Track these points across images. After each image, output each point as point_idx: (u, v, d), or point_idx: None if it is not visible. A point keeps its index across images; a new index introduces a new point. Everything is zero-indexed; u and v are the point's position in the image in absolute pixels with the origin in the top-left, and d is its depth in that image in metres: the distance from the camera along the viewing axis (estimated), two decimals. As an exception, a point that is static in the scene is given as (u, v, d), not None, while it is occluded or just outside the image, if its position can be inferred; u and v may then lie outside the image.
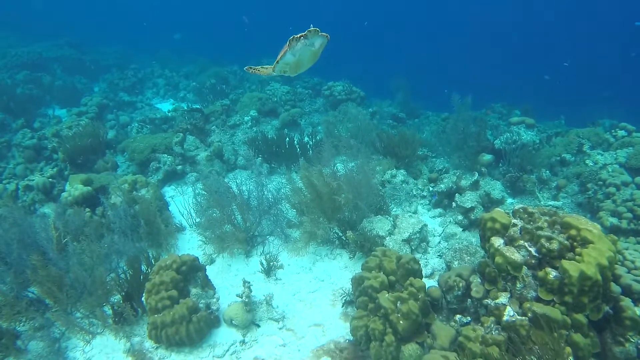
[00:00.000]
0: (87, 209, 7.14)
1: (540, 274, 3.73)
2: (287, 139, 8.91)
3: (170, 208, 7.80)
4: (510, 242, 4.07)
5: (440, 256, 6.00)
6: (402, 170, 7.73)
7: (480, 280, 4.23)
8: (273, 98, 12.20)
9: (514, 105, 13.36)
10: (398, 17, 44.62)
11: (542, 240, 3.82)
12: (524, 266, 3.86)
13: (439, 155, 9.26)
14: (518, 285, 3.84)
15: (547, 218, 4.06)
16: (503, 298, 3.87)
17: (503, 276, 3.99)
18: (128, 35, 29.42)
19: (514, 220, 4.23)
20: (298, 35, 4.08)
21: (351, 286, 4.96)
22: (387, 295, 4.31)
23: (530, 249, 3.89)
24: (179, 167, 8.88)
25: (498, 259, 3.96)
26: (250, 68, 4.79)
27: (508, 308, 3.77)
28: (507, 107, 13.53)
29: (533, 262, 3.85)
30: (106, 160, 9.10)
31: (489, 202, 6.77)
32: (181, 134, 9.23)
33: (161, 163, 8.87)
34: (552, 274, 3.63)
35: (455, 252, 5.39)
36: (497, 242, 4.08)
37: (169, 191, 8.68)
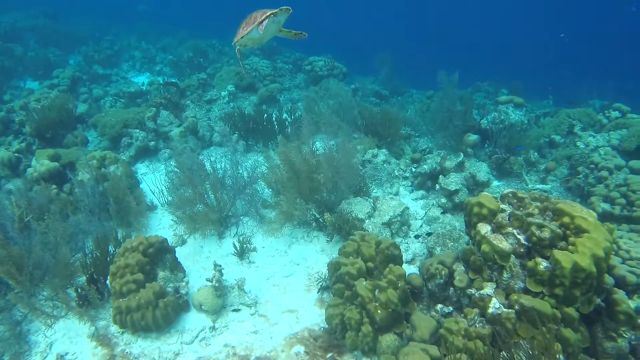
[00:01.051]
0: (54, 186, 6.75)
1: (530, 264, 3.48)
2: (265, 115, 8.55)
3: (142, 186, 7.45)
4: (498, 229, 3.82)
5: (422, 241, 5.76)
6: (383, 150, 7.44)
7: (464, 269, 3.99)
8: (252, 72, 11.75)
9: (502, 84, 13.11)
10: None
11: (533, 228, 3.57)
12: (512, 255, 3.62)
13: (422, 135, 9.00)
14: (505, 275, 3.60)
15: (538, 204, 3.81)
16: (488, 288, 3.63)
17: (489, 265, 3.76)
18: (107, 5, 28.42)
19: (502, 206, 3.98)
20: (268, 13, 4.16)
21: (327, 271, 4.71)
22: (364, 282, 4.07)
23: (519, 236, 3.64)
24: (152, 143, 8.47)
25: (484, 247, 3.72)
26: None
27: (494, 299, 3.54)
28: (494, 85, 13.31)
29: (522, 251, 3.61)
30: (75, 134, 8.64)
31: (474, 185, 6.53)
32: (154, 108, 8.79)
33: (133, 139, 8.45)
34: (543, 264, 3.39)
35: (437, 237, 5.14)
36: (484, 229, 3.83)
37: (142, 168, 8.29)
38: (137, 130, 8.53)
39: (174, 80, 11.33)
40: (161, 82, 11.85)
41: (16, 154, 7.90)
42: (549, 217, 3.69)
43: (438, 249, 5.04)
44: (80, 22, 21.37)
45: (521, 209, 3.83)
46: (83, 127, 9.92)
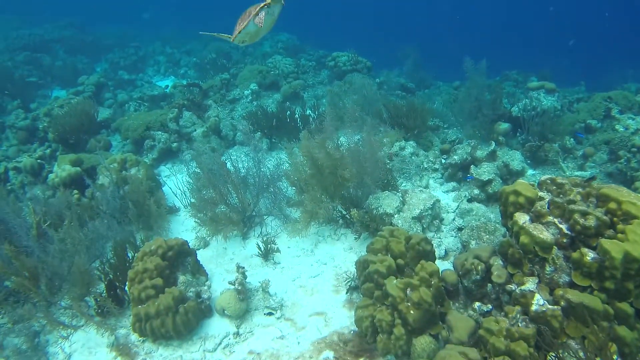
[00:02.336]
0: (75, 191, 6.69)
1: (575, 255, 3.14)
2: (289, 112, 8.33)
3: (164, 188, 7.32)
4: (537, 218, 3.49)
5: (455, 235, 5.43)
6: (411, 142, 7.11)
7: (502, 263, 3.67)
8: (275, 71, 11.57)
9: (531, 72, 12.59)
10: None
11: (576, 216, 3.23)
12: (555, 246, 3.28)
13: (451, 126, 8.63)
14: (547, 268, 3.27)
15: (580, 190, 3.46)
16: (530, 284, 3.30)
17: (529, 258, 3.43)
18: (131, 14, 28.83)
19: (540, 193, 3.65)
20: (261, 5, 4.21)
21: (356, 270, 4.45)
22: (395, 281, 3.79)
23: (561, 226, 3.31)
24: (175, 144, 8.35)
25: (523, 238, 3.39)
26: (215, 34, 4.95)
27: (537, 295, 3.20)
28: (522, 74, 12.79)
29: (565, 241, 3.26)
30: (98, 139, 8.61)
31: (508, 174, 6.15)
32: (176, 109, 8.68)
33: (156, 141, 8.35)
34: (590, 255, 3.05)
35: (472, 230, 4.80)
36: (522, 218, 3.50)
37: (165, 170, 8.18)
38: (160, 132, 8.43)
39: (196, 82, 11.24)
40: (184, 84, 11.80)
41: (39, 160, 7.90)
42: (592, 204, 3.34)
43: (473, 242, 4.70)
44: (107, 31, 21.73)
45: (561, 195, 3.49)
46: (107, 132, 9.93)
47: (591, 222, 3.15)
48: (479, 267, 3.76)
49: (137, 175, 6.56)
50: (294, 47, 15.90)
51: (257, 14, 4.27)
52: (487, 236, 4.63)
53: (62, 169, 6.86)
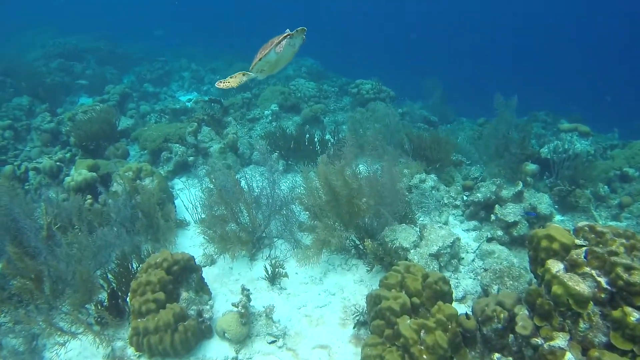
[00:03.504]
0: (89, 196, 6.58)
1: (616, 314, 2.82)
2: (308, 135, 8.18)
3: (177, 201, 7.17)
4: (572, 268, 3.20)
5: (474, 277, 5.13)
6: (432, 175, 6.87)
7: (528, 313, 3.36)
8: (297, 93, 11.50)
9: (560, 114, 12.33)
10: (433, 17, 43.66)
11: (618, 270, 2.92)
12: (591, 301, 2.97)
13: (474, 163, 8.37)
14: (581, 325, 2.96)
15: (623, 241, 3.15)
16: (560, 340, 2.98)
17: (561, 311, 3.11)
18: (177, 32, 29.49)
19: (577, 241, 3.35)
20: (284, 35, 4.34)
21: (366, 304, 4.17)
22: (408, 321, 3.51)
23: (599, 279, 3.00)
24: (191, 158, 8.24)
25: (556, 289, 3.10)
26: (221, 82, 5.04)
27: (568, 354, 2.88)
28: (551, 115, 12.52)
29: (603, 296, 2.95)
30: (117, 147, 8.55)
31: (535, 218, 5.84)
32: (195, 123, 8.60)
33: (173, 153, 8.26)
34: (635, 316, 2.73)
35: (494, 274, 4.49)
36: (556, 266, 3.21)
37: (179, 183, 8.06)
38: (177, 145, 8.34)
39: (218, 98, 11.22)
40: (206, 100, 11.80)
41: (58, 163, 7.85)
42: (638, 258, 3.04)
43: (494, 287, 4.39)
44: (136, 46, 22.18)
45: (601, 245, 3.19)
46: (127, 141, 9.90)
47: (637, 278, 2.84)
48: (502, 315, 3.47)
49: (149, 186, 6.42)
50: (317, 72, 15.92)
51: (278, 43, 4.38)
52: (511, 282, 4.33)
53: (79, 173, 6.78)
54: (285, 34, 4.37)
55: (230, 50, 21.18)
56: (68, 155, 8.65)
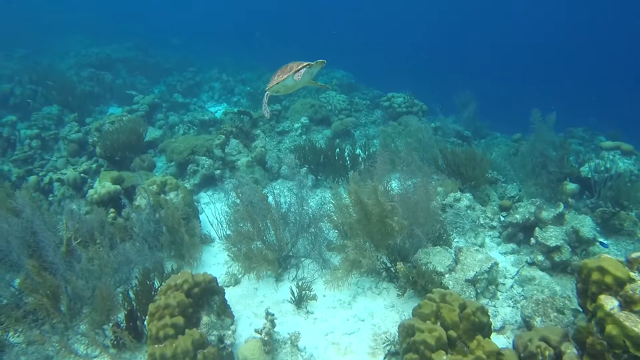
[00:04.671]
0: (112, 210, 6.49)
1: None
2: (338, 149, 7.95)
3: (202, 216, 7.03)
4: (627, 304, 2.89)
5: (513, 305, 4.79)
6: (467, 194, 6.55)
7: (576, 352, 3.05)
8: (327, 106, 11.32)
9: (599, 130, 11.84)
10: (469, 30, 43.20)
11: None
12: (654, 346, 2.66)
13: (509, 181, 8.00)
14: (644, 373, 2.65)
15: (688, 276, 2.84)
16: (619, 389, 2.68)
17: (615, 353, 2.81)
18: (194, 41, 29.83)
19: (631, 274, 3.04)
20: (305, 64, 4.66)
21: (398, 334, 3.90)
22: (445, 357, 3.23)
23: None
24: (217, 171, 8.11)
25: (611, 329, 2.79)
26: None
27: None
28: (589, 132, 12.04)
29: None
30: (143, 158, 8.49)
31: (577, 241, 5.46)
32: (223, 136, 8.48)
33: (199, 166, 8.14)
34: None
35: (537, 304, 4.16)
36: (610, 303, 2.91)
37: (205, 197, 7.93)
38: (204, 158, 8.23)
39: (248, 110, 11.14)
40: (236, 111, 11.74)
41: (82, 175, 7.81)
42: None
43: (537, 319, 4.06)
44: (168, 55, 22.41)
45: (663, 281, 2.88)
46: (154, 152, 9.86)
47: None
48: (547, 353, 3.17)
49: (173, 200, 6.28)
50: (348, 85, 15.75)
51: (297, 71, 4.67)
52: (555, 314, 4.00)
53: (102, 185, 6.69)
54: (305, 63, 4.66)
55: (262, 61, 21.28)
56: (94, 166, 8.63)
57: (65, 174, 7.93)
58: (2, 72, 17.70)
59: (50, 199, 7.90)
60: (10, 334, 4.65)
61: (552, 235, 5.35)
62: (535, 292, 4.75)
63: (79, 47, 21.00)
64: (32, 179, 8.11)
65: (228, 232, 6.00)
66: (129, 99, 14.55)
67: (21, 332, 4.64)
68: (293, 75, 4.70)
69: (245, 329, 4.65)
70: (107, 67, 18.42)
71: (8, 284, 4.92)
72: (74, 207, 6.75)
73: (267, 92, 5.37)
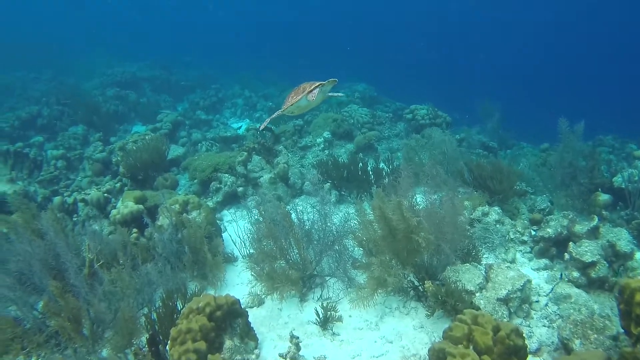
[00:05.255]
0: (135, 230, 6.49)
1: None
2: (361, 164, 7.84)
3: (225, 234, 6.98)
4: (677, 329, 2.69)
5: (549, 325, 4.57)
6: (496, 208, 6.35)
7: (622, 379, 2.86)
8: (349, 120, 11.25)
9: (629, 138, 11.48)
10: (489, 39, 42.81)
11: None
12: None
13: (538, 192, 7.76)
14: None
15: None
16: None
17: (667, 384, 2.61)
18: (216, 58, 30.27)
19: (680, 295, 2.84)
20: (317, 84, 4.84)
21: (428, 358, 3.73)
22: (479, 385, 3.06)
23: None
24: (240, 188, 8.07)
25: (661, 357, 2.60)
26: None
27: None
28: (619, 140, 11.68)
29: None
30: (165, 177, 8.51)
31: (614, 256, 5.19)
32: (245, 153, 8.46)
33: (222, 184, 8.12)
34: None
35: (575, 325, 3.94)
36: (658, 328, 2.71)
37: (227, 215, 7.88)
38: (227, 175, 8.21)
39: (269, 126, 11.12)
40: (258, 127, 11.74)
41: (105, 194, 7.85)
42: None
43: (576, 342, 3.84)
44: (191, 73, 22.73)
45: None
46: (177, 170, 9.90)
47: None
48: (589, 380, 2.97)
49: (196, 220, 6.24)
50: (370, 97, 15.67)
51: (310, 91, 4.84)
52: (595, 336, 3.78)
53: (125, 205, 6.71)
54: (317, 84, 4.83)
55: (283, 76, 21.43)
56: (117, 185, 8.68)
57: (89, 194, 7.98)
58: (31, 94, 18.26)
59: (74, 219, 7.96)
60: (33, 359, 4.63)
61: (587, 250, 5.11)
62: (571, 310, 4.53)
63: (104, 67, 21.49)
64: (57, 199, 8.19)
65: (251, 250, 5.92)
66: (153, 117, 14.72)
67: (44, 357, 4.62)
68: (307, 96, 4.88)
69: (270, 352, 4.53)
70: (131, 86, 18.79)
71: (31, 308, 4.92)
72: (97, 227, 6.80)
73: (279, 112, 5.61)
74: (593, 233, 5.49)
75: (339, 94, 6.43)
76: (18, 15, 44.40)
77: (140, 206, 6.72)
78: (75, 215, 8.13)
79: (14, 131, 13.97)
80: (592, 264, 5.01)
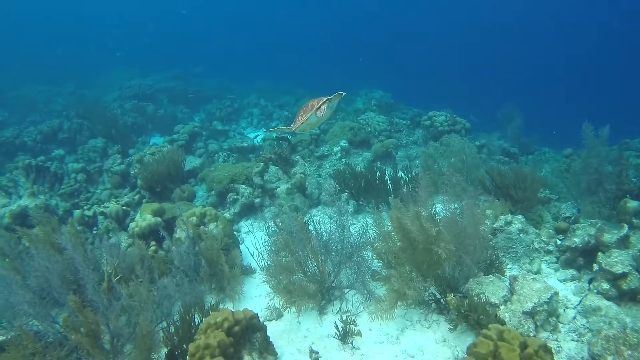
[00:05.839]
0: (153, 243, 6.46)
1: None
2: (379, 173, 7.72)
3: (242, 246, 6.91)
4: None
5: (577, 339, 4.38)
6: (519, 216, 6.16)
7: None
8: (367, 128, 11.14)
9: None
10: (507, 44, 42.32)
11: None
12: None
13: (562, 199, 7.54)
14: None
15: None
16: None
17: None
18: (231, 68, 30.48)
19: None
20: (324, 99, 4.95)
21: (452, 375, 3.61)
22: (507, 405, 2.92)
23: None
24: (257, 199, 8.01)
25: None
26: (271, 130, 5.83)
27: None
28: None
29: None
30: (183, 189, 8.49)
31: None
32: (262, 163, 8.40)
33: (239, 195, 8.07)
34: None
35: (607, 341, 3.76)
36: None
37: (245, 227, 7.82)
38: (244, 186, 8.16)
39: (285, 135, 11.08)
40: (274, 137, 11.71)
41: (124, 207, 7.85)
42: None
43: (609, 358, 3.65)
44: (207, 83, 22.88)
45: None
46: (195, 181, 9.89)
47: None
48: (625, 400, 2.80)
49: (212, 232, 6.18)
50: (387, 105, 15.54)
51: (319, 108, 4.96)
52: (629, 352, 3.60)
53: (143, 218, 6.69)
54: (325, 99, 4.93)
55: (299, 85, 21.47)
56: (136, 197, 8.69)
57: (108, 207, 7.99)
58: (53, 107, 18.58)
59: (94, 232, 7.99)
60: None
61: (617, 261, 4.90)
62: (601, 324, 4.34)
63: (122, 80, 21.74)
64: (77, 212, 8.23)
65: (269, 262, 5.84)
66: (170, 129, 14.79)
67: None
68: (316, 112, 5.01)
69: (289, 367, 4.45)
70: (149, 98, 18.95)
71: (53, 321, 4.91)
72: (115, 241, 6.78)
73: (291, 130, 5.67)
74: (623, 242, 5.28)
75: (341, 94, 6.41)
76: (42, 29, 45.53)
77: (158, 219, 6.70)
78: (95, 228, 8.16)
79: (36, 145, 14.21)
80: (623, 275, 4.80)
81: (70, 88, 22.18)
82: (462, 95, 22.98)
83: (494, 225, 6.00)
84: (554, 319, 4.55)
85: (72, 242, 5.32)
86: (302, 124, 5.23)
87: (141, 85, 20.09)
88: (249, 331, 4.30)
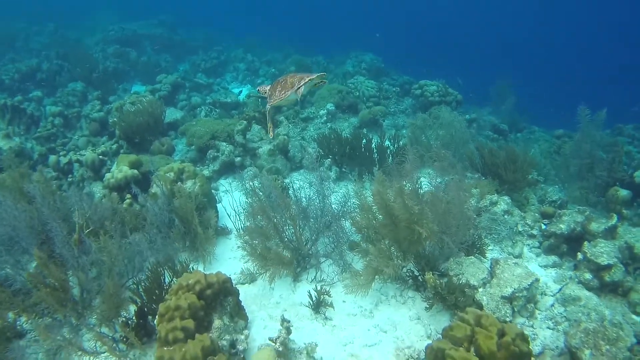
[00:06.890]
0: (128, 196, 6.20)
1: None
2: (365, 140, 7.47)
3: (219, 205, 6.66)
4: None
5: (553, 327, 4.31)
6: (505, 197, 6.02)
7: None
8: (355, 92, 10.81)
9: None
10: (506, 18, 41.66)
11: None
12: None
13: (549, 181, 7.42)
14: None
15: None
16: None
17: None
18: (220, 19, 29.48)
19: None
20: (306, 79, 4.88)
21: (425, 356, 3.48)
22: (480, 394, 2.80)
23: None
24: (238, 158, 7.73)
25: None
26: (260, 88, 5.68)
27: None
28: (640, 130, 11.29)
29: None
30: (162, 142, 8.17)
31: (630, 259, 4.86)
32: (245, 121, 8.07)
33: (219, 152, 7.78)
34: None
35: (586, 334, 3.66)
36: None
37: (223, 185, 7.57)
38: (225, 144, 7.86)
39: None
40: (259, 95, 11.33)
41: (101, 156, 7.52)
42: None
43: (586, 352, 3.56)
44: (195, 33, 22.08)
45: None
46: (175, 134, 9.55)
47: None
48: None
49: (187, 190, 5.90)
50: (377, 69, 15.14)
51: (299, 87, 4.88)
52: (607, 346, 3.51)
53: (119, 169, 6.41)
54: (307, 79, 4.85)
55: (289, 43, 20.83)
56: (114, 147, 8.36)
57: (85, 155, 7.66)
58: (33, 46, 17.77)
59: (69, 179, 7.68)
60: (23, 319, 4.43)
61: (603, 252, 4.78)
62: (580, 314, 4.26)
63: (107, 23, 20.87)
64: (53, 158, 7.89)
65: (246, 224, 5.62)
66: (152, 77, 14.27)
67: (35, 317, 4.40)
68: (295, 91, 4.91)
69: (260, 332, 4.33)
70: (132, 44, 18.28)
71: (22, 268, 4.71)
72: (88, 191, 6.51)
73: (268, 108, 5.58)
74: (610, 232, 5.18)
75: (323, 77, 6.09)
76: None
77: (135, 171, 6.44)
78: (70, 175, 7.84)
79: (14, 84, 13.63)
80: (608, 267, 4.70)
81: (51, 28, 21.21)
82: (457, 67, 22.59)
83: (479, 205, 5.85)
84: (532, 305, 4.46)
85: (41, 192, 5.05)
86: (280, 100, 5.14)
87: (125, 29, 19.31)
88: (221, 295, 4.12)
